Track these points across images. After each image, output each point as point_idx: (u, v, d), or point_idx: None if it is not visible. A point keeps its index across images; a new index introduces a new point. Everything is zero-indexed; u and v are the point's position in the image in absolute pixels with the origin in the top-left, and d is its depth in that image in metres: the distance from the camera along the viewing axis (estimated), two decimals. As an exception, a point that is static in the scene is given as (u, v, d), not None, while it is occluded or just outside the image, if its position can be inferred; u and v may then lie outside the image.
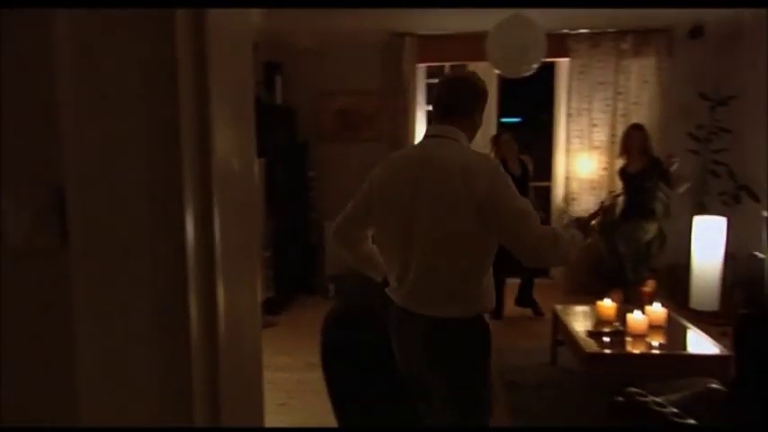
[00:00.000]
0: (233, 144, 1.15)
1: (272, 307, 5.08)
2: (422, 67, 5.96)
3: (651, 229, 4.72)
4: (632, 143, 4.76)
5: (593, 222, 2.20)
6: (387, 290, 2.06)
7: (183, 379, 1.05)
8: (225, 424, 1.11)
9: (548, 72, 5.94)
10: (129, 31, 1.01)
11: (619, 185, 4.99)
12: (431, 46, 5.71)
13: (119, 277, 1.05)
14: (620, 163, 5.00)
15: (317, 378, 2.36)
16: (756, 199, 4.92)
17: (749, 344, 2.11)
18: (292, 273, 5.65)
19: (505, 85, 6.01)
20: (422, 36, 5.70)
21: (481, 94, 2.01)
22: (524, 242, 1.84)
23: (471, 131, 2.01)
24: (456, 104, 1.97)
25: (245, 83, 1.23)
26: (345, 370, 2.39)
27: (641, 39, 5.47)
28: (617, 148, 5.54)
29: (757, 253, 4.30)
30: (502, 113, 6.33)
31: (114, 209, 1.04)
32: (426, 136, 2.02)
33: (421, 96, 6.03)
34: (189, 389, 1.05)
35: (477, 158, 1.92)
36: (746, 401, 2.15)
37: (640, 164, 4.68)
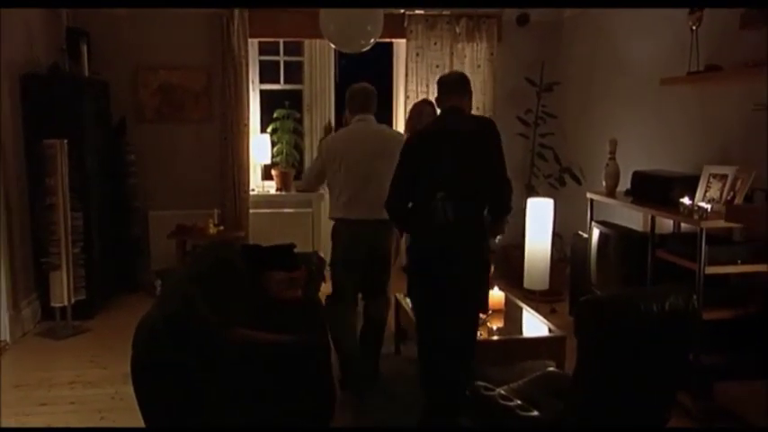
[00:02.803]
0: None
1: (84, 311, 4.44)
2: (254, 43, 5.55)
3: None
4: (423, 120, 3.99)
5: None
6: (340, 212, 3.35)
7: None
8: None
9: (387, 53, 5.83)
10: None
11: None
12: (263, 20, 5.31)
13: None
14: None
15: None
16: (578, 181, 5.22)
17: (588, 331, 2.09)
18: (110, 270, 5.00)
19: (345, 66, 5.80)
20: (253, 9, 5.28)
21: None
22: None
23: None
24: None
25: None
26: (157, 388, 2.05)
27: (474, 23, 5.53)
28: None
29: (581, 232, 4.53)
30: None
31: None
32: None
33: (254, 74, 5.62)
34: None
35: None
36: (588, 387, 2.14)
37: None
